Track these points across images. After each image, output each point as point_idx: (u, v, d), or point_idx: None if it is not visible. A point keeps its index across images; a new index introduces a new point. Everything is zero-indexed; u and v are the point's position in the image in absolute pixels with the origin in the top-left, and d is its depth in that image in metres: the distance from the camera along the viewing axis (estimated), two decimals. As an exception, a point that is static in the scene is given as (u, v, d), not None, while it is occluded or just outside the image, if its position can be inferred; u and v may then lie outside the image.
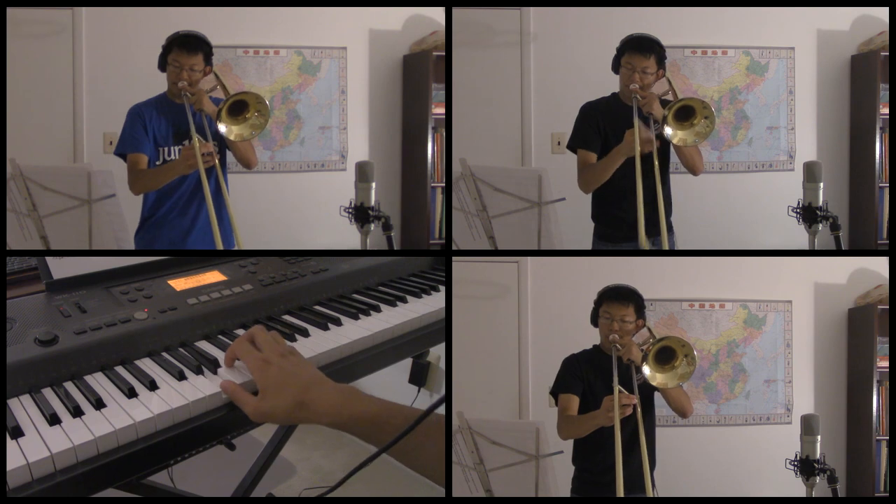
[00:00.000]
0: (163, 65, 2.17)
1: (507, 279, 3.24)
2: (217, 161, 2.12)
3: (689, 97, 1.93)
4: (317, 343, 1.43)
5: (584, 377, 1.98)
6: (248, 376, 1.25)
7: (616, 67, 2.11)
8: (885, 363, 3.11)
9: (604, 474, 1.95)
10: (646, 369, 1.78)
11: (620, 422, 1.93)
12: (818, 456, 1.82)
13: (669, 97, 2.08)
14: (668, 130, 1.92)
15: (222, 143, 2.19)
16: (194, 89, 2.10)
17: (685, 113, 1.92)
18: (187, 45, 2.13)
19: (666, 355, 1.78)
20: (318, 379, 1.19)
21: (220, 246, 2.06)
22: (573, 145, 2.19)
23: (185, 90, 2.10)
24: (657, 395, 1.96)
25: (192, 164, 2.01)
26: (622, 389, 1.82)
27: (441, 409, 1.14)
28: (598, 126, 2.13)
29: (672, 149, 2.08)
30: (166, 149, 2.17)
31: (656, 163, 2.01)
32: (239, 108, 1.96)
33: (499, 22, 3.29)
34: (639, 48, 2.05)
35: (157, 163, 2.16)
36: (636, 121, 2.00)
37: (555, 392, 2.02)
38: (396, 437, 1.07)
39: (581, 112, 2.18)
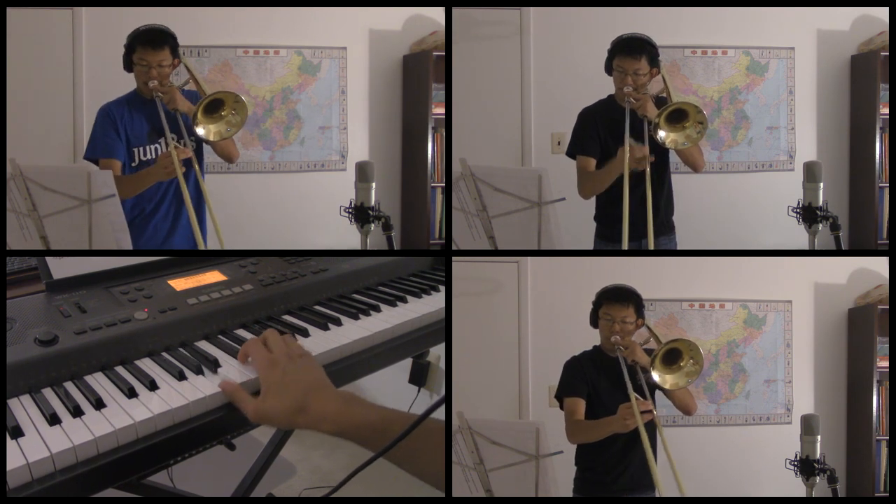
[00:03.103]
0: (128, 64, 2.09)
1: (507, 279, 3.24)
2: (196, 163, 2.06)
3: (682, 101, 1.92)
4: (317, 343, 1.43)
5: (588, 379, 1.97)
6: (251, 375, 1.26)
7: (609, 70, 2.11)
8: (885, 363, 3.11)
9: (607, 474, 1.95)
10: (655, 375, 1.77)
11: None
12: (818, 456, 1.82)
13: (665, 95, 2.07)
14: (660, 133, 1.91)
15: (199, 141, 2.11)
16: (165, 88, 2.03)
17: (678, 116, 1.91)
18: (152, 42, 2.04)
19: (672, 356, 1.78)
20: (320, 384, 1.19)
21: (199, 242, 2.00)
22: (572, 152, 2.18)
23: (156, 90, 2.02)
24: (659, 393, 1.96)
25: (171, 171, 1.94)
26: (639, 397, 1.81)
27: (441, 410, 1.14)
28: (597, 131, 2.12)
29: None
30: (141, 149, 2.09)
31: (648, 171, 1.99)
32: (214, 106, 1.91)
33: (499, 21, 3.29)
34: (629, 50, 2.03)
35: (133, 164, 2.09)
36: (626, 137, 1.98)
37: (559, 396, 2.02)
38: (394, 440, 1.07)
39: (579, 118, 2.17)
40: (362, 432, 1.13)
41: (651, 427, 1.97)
